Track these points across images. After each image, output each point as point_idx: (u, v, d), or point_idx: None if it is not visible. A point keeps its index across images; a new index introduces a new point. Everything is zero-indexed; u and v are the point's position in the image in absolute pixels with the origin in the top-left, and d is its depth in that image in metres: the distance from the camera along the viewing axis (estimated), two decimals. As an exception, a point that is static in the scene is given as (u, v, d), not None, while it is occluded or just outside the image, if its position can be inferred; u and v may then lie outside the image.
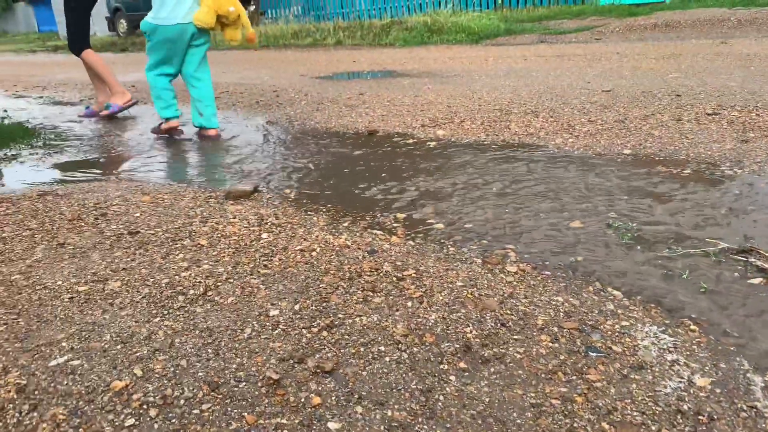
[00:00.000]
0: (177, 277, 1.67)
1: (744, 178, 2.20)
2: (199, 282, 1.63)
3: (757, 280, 1.51)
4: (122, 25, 18.18)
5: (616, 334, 1.31)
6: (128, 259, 1.81)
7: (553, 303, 1.45)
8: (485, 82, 4.90)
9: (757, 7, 8.69)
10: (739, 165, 2.33)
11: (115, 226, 2.11)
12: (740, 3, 9.17)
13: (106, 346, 1.33)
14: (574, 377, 1.17)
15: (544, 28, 9.84)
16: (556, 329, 1.33)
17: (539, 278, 1.59)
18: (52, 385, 1.19)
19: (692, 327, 1.33)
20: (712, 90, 3.74)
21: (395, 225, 2.03)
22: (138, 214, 2.23)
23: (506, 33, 9.59)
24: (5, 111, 5.19)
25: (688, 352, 1.24)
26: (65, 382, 1.20)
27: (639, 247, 1.73)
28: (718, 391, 1.12)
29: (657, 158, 2.51)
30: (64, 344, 1.34)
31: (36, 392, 1.17)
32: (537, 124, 3.25)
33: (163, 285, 1.62)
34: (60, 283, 1.67)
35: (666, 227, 1.85)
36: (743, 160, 2.38)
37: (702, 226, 1.84)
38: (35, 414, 1.11)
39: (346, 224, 2.06)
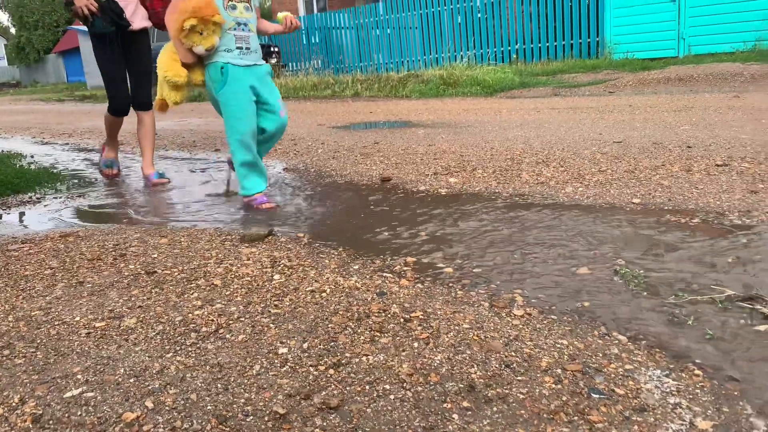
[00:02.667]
0: (190, 315, 1.71)
1: (751, 228, 2.21)
2: (212, 320, 1.67)
3: (762, 327, 1.51)
4: None
5: (620, 376, 1.32)
6: (144, 298, 1.87)
7: (558, 346, 1.47)
8: (498, 132, 5.00)
9: (770, 62, 8.79)
10: (748, 215, 2.35)
11: (132, 266, 2.18)
12: (754, 58, 9.29)
13: (120, 379, 1.37)
14: (575, 418, 1.18)
15: (558, 81, 10.03)
16: (559, 371, 1.35)
17: (545, 322, 1.61)
18: (67, 415, 1.23)
19: (696, 372, 1.34)
20: (723, 142, 3.78)
21: (405, 268, 2.07)
22: (155, 255, 2.29)
23: (520, 86, 9.78)
24: (32, 157, 5.38)
25: (691, 396, 1.25)
26: (79, 413, 1.23)
27: (645, 294, 1.75)
28: (720, 434, 1.12)
29: (666, 208, 2.54)
30: (79, 377, 1.39)
31: (51, 422, 1.21)
32: (548, 173, 3.31)
33: (177, 322, 1.67)
34: (78, 319, 1.72)
35: (673, 275, 1.87)
36: (751, 210, 2.40)
37: (708, 274, 1.85)
38: (48, 443, 1.14)
39: (356, 267, 2.10)
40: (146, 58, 3.93)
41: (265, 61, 3.06)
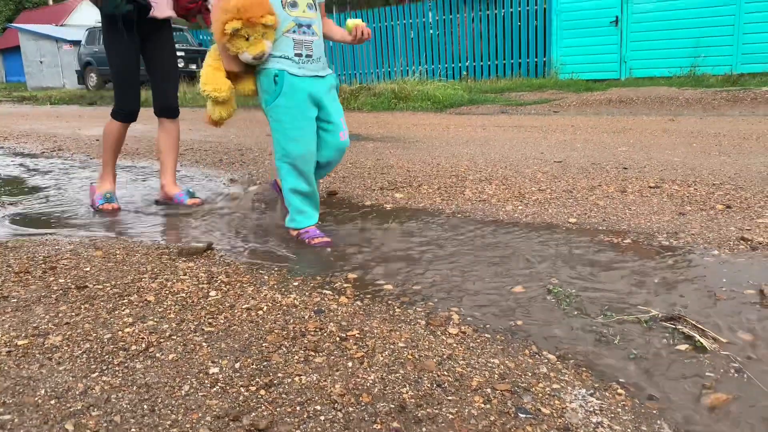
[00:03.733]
0: (120, 332, 1.67)
1: (678, 249, 2.31)
2: (142, 338, 1.63)
3: (683, 347, 1.58)
4: (92, 78, 18.80)
5: (547, 396, 1.36)
6: (72, 314, 1.80)
7: (490, 365, 1.50)
8: (445, 148, 5.07)
9: (703, 87, 9.26)
10: (675, 236, 2.46)
11: (63, 280, 2.10)
12: (689, 83, 9.77)
13: (40, 401, 1.31)
14: (502, 438, 1.20)
15: (506, 99, 10.28)
16: (489, 390, 1.37)
17: (479, 340, 1.64)
18: (-22, 440, 1.17)
19: (619, 390, 1.39)
20: (657, 164, 3.95)
21: (345, 285, 2.07)
22: (88, 269, 2.22)
23: (469, 102, 9.98)
24: (-37, 160, 5.13)
25: (612, 415, 1.29)
26: (-8, 438, 1.18)
27: (576, 313, 1.80)
28: (637, 453, 1.17)
29: (600, 228, 2.63)
30: (-5, 399, 1.32)
31: (-40, 448, 1.15)
32: (490, 191, 3.38)
33: (105, 340, 1.62)
34: (-1, 336, 1.64)
35: (602, 294, 1.94)
36: (678, 232, 2.51)
37: (636, 294, 1.93)
38: (-43, 470, 1.09)
39: (296, 283, 2.09)
40: (171, 53, 3.36)
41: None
